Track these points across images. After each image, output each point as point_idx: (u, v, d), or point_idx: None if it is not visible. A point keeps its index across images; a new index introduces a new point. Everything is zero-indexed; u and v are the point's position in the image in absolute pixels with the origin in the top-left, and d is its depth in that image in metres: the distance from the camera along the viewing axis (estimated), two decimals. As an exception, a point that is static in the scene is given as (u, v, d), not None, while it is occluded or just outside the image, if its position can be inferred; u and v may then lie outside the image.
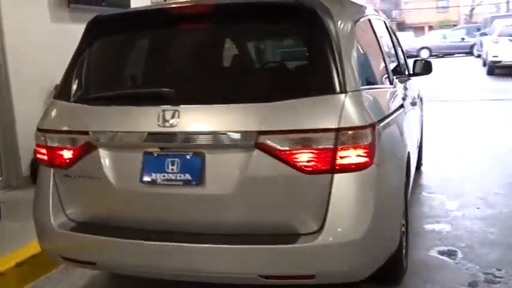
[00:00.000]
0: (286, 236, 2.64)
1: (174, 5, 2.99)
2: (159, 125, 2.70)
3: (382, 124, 2.80)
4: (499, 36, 17.14)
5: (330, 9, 2.78)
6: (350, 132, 2.56)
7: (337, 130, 2.54)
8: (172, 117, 2.67)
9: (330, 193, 2.58)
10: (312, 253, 2.58)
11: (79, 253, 2.96)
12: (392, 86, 3.62)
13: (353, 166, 2.59)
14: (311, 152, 2.57)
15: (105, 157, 2.84)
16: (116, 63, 3.20)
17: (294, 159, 2.57)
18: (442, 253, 3.86)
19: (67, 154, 2.94)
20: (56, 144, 2.99)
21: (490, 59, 17.06)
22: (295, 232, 2.64)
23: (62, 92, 3.09)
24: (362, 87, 2.76)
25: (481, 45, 21.60)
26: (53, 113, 3.06)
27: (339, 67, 2.64)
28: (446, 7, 54.08)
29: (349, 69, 2.68)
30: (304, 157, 2.57)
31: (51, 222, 2.98)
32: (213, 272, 2.71)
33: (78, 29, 3.27)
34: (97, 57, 3.17)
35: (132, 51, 3.32)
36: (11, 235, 4.15)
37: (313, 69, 2.75)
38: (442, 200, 5.11)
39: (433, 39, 33.20)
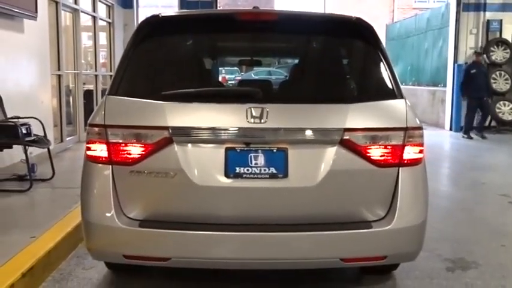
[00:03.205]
0: (359, 223, 2.96)
1: (258, 12, 3.18)
2: (248, 122, 2.84)
3: None
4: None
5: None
6: (412, 131, 3.00)
7: (406, 129, 2.97)
8: (261, 114, 2.85)
9: (396, 184, 2.98)
10: (387, 236, 2.94)
11: (150, 250, 2.90)
12: None
13: (413, 161, 3.02)
14: (385, 148, 2.95)
15: (183, 152, 2.86)
16: (186, 62, 3.24)
17: (370, 154, 2.93)
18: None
19: (137, 150, 2.89)
20: (121, 140, 2.92)
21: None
22: (363, 219, 2.98)
23: (120, 89, 3.01)
24: None
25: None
26: (116, 108, 2.97)
27: (395, 76, 3.10)
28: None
29: (398, 79, 3.15)
30: (378, 152, 2.94)
31: (115, 220, 2.89)
32: (301, 258, 2.90)
33: None
34: (162, 55, 3.16)
35: (198, 52, 3.38)
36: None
37: (377, 77, 3.14)
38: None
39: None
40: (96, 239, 3.00)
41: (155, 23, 3.20)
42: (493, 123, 13.39)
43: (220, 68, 11.80)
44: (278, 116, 2.88)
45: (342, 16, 3.32)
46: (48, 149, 6.44)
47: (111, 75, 12.16)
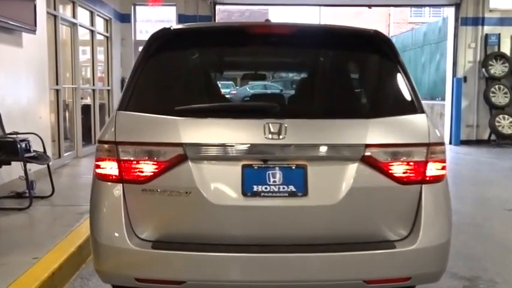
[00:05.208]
0: (381, 243, 2.84)
1: (273, 24, 3.08)
2: (266, 138, 2.72)
3: None
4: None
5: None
6: (435, 147, 2.89)
7: (428, 145, 2.86)
8: (279, 130, 2.73)
9: (419, 201, 2.86)
10: (411, 256, 2.81)
11: (163, 272, 2.76)
12: None
13: (436, 177, 2.91)
14: (408, 164, 2.84)
15: (197, 170, 2.74)
16: (199, 76, 3.13)
17: (393, 171, 2.81)
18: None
19: (149, 168, 2.76)
20: (133, 158, 2.79)
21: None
22: (386, 239, 2.86)
23: (130, 104, 2.89)
24: None
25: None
26: (127, 124, 2.85)
27: (415, 90, 3.00)
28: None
29: (418, 93, 3.06)
30: (401, 169, 2.83)
31: (126, 242, 2.75)
32: (323, 281, 2.77)
33: None
34: (174, 69, 3.06)
35: (210, 66, 3.27)
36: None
37: (397, 91, 3.03)
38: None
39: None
40: (106, 261, 2.86)
41: (167, 35, 3.09)
42: (493, 137, 13.36)
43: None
44: (297, 132, 2.76)
45: (359, 29, 3.23)
46: (48, 166, 6.31)
47: (108, 90, 12.06)
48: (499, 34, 13.36)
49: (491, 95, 13.21)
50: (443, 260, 2.96)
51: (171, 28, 3.09)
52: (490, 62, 13.25)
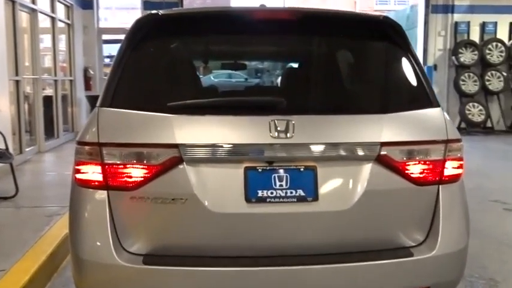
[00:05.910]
0: (398, 250, 2.59)
1: (279, 9, 2.77)
2: (271, 136, 2.42)
3: None
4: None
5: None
6: (453, 144, 2.65)
7: (446, 142, 2.62)
8: (287, 127, 2.43)
9: (437, 204, 2.62)
10: (430, 264, 2.57)
11: None
12: None
13: (453, 177, 2.67)
14: (425, 163, 2.58)
15: (194, 174, 2.42)
16: (192, 68, 2.78)
17: (410, 171, 2.56)
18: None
19: (139, 172, 2.42)
20: (119, 161, 2.44)
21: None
22: (402, 245, 2.60)
23: (115, 100, 2.53)
24: None
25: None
26: (112, 123, 2.50)
27: (428, 82, 2.75)
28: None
29: (432, 85, 2.81)
30: (418, 168, 2.57)
31: (113, 257, 2.41)
32: None
33: None
34: (165, 59, 2.72)
35: (207, 56, 2.92)
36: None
37: (410, 84, 2.76)
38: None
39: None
40: (90, 279, 2.51)
41: (154, 22, 2.74)
42: (463, 125, 13.39)
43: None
44: (306, 130, 2.47)
45: (368, 15, 2.95)
46: (11, 164, 5.83)
47: (71, 80, 11.51)
48: (469, 22, 13.37)
49: (461, 83, 13.23)
50: (462, 266, 2.74)
51: (159, 13, 2.73)
52: (460, 50, 13.26)
